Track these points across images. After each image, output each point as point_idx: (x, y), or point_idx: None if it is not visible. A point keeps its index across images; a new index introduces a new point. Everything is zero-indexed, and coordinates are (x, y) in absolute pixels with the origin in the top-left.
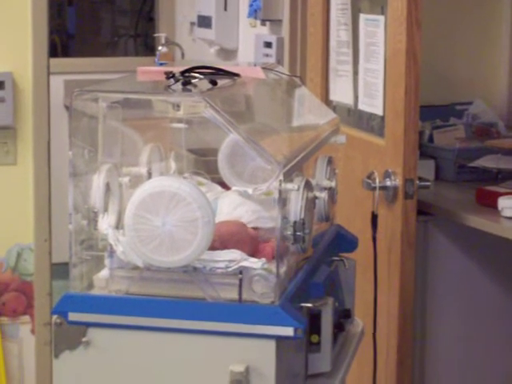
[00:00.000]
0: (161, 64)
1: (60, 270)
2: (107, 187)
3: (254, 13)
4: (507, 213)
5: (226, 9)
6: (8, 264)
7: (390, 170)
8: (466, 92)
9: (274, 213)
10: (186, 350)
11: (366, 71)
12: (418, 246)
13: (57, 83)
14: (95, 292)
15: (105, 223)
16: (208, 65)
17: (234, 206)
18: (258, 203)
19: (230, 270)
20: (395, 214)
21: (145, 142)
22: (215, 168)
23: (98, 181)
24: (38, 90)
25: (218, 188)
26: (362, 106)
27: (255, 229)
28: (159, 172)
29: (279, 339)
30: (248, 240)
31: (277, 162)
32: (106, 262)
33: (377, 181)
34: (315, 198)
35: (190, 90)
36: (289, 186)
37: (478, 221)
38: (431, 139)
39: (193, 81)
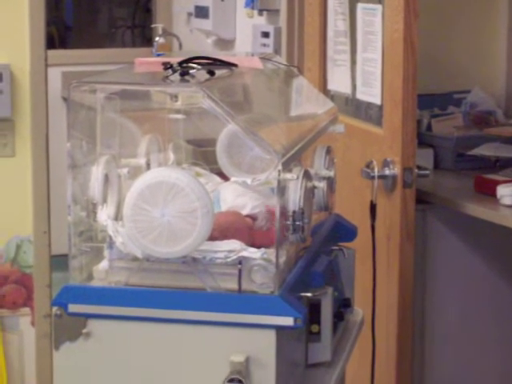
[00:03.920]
0: (158, 55)
1: (59, 262)
2: (106, 178)
3: (251, 3)
4: (506, 201)
5: None
6: (7, 256)
7: (388, 159)
8: (464, 80)
9: (272, 202)
10: (186, 340)
11: (363, 60)
12: (417, 235)
13: (54, 75)
14: (95, 283)
15: (104, 214)
16: (205, 55)
17: (237, 194)
18: (258, 193)
19: (229, 260)
20: (394, 202)
21: (143, 133)
22: (214, 159)
23: (96, 172)
24: (36, 81)
25: (217, 179)
26: (359, 96)
27: (253, 218)
28: (158, 163)
29: (279, 329)
30: (246, 229)
31: (275, 152)
32: (106, 253)
33: (375, 170)
34: (314, 187)
35: (187, 81)
36: (287, 175)
37: (476, 209)
38: (429, 128)
39: (190, 71)
